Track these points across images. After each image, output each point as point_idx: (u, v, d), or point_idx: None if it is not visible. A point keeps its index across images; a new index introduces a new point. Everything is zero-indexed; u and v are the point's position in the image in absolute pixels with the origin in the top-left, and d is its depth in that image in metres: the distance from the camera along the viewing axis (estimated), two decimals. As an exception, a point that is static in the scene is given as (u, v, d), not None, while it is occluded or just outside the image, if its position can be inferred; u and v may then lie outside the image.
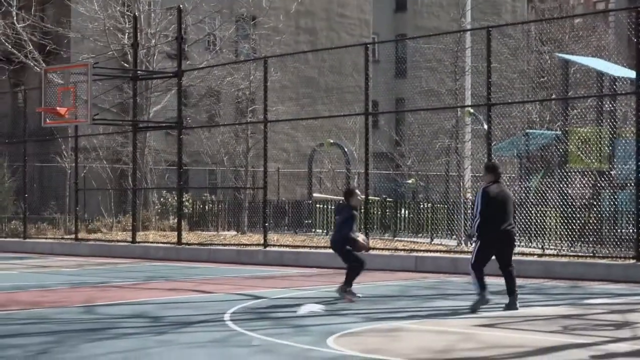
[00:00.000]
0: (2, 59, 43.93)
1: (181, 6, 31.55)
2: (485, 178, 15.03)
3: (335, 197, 36.61)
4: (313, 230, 34.10)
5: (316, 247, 26.88)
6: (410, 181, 35.16)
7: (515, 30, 40.91)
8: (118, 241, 32.01)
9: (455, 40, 30.85)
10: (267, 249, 27.23)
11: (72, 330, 13.39)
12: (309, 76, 49.02)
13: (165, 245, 30.08)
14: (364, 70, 26.55)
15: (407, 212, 31.87)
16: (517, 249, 23.51)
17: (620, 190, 22.75)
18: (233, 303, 16.18)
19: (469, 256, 23.00)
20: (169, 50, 40.68)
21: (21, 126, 36.72)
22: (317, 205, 35.54)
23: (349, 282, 16.59)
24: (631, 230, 20.99)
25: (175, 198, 32.76)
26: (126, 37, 37.46)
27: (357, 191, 17.11)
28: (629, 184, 22.06)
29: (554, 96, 30.86)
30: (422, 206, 31.71)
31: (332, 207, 35.00)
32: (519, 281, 19.75)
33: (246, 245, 28.64)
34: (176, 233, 30.20)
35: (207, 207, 38.64)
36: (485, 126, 23.89)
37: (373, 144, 29.70)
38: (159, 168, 40.83)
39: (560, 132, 27.51)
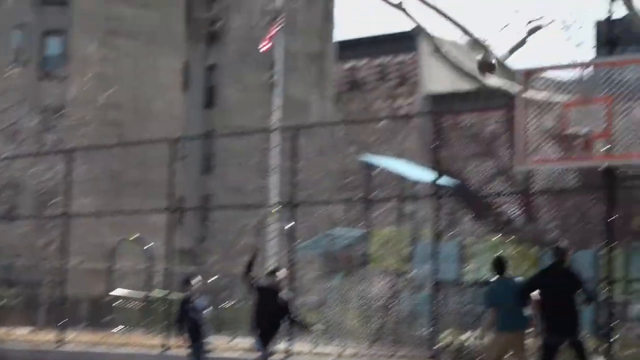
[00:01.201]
0: None
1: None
2: None
3: (136, 294, 35.97)
4: (112, 327, 33.29)
5: (115, 346, 26.20)
6: (214, 279, 34.87)
7: (322, 131, 41.64)
8: None
9: (263, 139, 31.12)
10: (63, 347, 26.38)
11: None
12: (115, 170, 48.40)
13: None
14: (170, 166, 26.36)
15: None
16: (316, 349, 23.65)
17: (418, 291, 23.11)
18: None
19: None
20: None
21: None
22: (119, 302, 34.82)
23: None
24: (428, 332, 21.28)
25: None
26: None
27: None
28: (427, 285, 22.43)
29: (357, 197, 31.40)
30: (225, 304, 31.45)
31: (133, 305, 34.40)
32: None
33: (42, 342, 27.66)
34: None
35: (2, 302, 37.25)
36: (290, 225, 23.98)
37: (178, 240, 29.36)
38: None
39: (362, 233, 27.89)
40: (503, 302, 14.55)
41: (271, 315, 17.47)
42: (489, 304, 14.87)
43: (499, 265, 15.07)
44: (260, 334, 17.76)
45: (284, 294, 17.63)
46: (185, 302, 16.00)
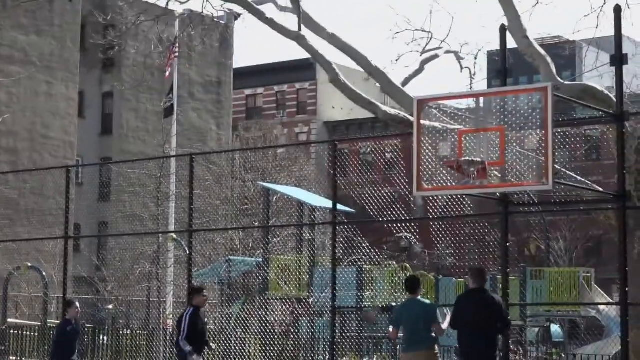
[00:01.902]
0: None
1: None
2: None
3: (31, 322, 35.38)
4: (6, 357, 32.67)
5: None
6: (110, 306, 34.50)
7: (220, 158, 41.64)
8: None
9: (159, 166, 30.99)
10: (-44, 377, 25.82)
11: None
12: (9, 197, 47.57)
13: None
14: (66, 193, 26.09)
15: (106, 338, 31.15)
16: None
17: (317, 317, 23.24)
18: None
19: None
20: None
21: None
22: (12, 331, 34.15)
23: None
24: (327, 358, 21.39)
25: None
26: None
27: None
28: (325, 311, 22.57)
29: (256, 224, 31.44)
30: (122, 332, 31.08)
31: (29, 333, 33.81)
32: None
33: None
34: None
35: None
36: (187, 252, 23.90)
37: (73, 268, 29.04)
38: None
39: (261, 260, 27.92)
40: (409, 322, 14.59)
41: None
42: (395, 322, 14.88)
43: (412, 284, 15.12)
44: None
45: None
46: (66, 325, 16.64)
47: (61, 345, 16.34)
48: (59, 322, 26.83)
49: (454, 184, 18.90)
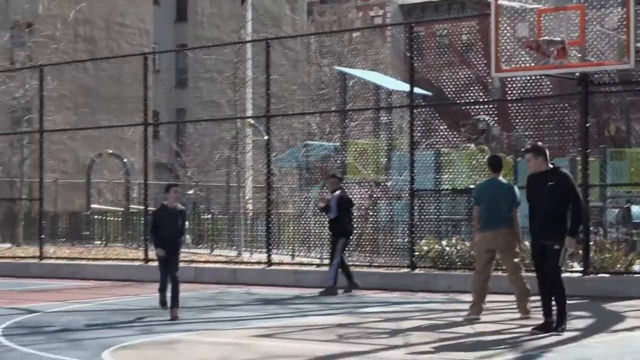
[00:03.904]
0: None
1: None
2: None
3: (114, 208, 36.08)
4: (91, 241, 33.47)
5: (94, 259, 26.37)
6: (190, 192, 35.00)
7: (296, 43, 41.48)
8: None
9: (235, 52, 30.99)
10: (43, 261, 26.51)
11: None
12: (88, 85, 48.07)
13: None
14: (143, 81, 26.27)
15: (187, 223, 31.69)
16: (295, 259, 23.91)
17: (395, 201, 23.33)
18: (5, 318, 15.65)
19: (249, 267, 23.20)
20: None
21: None
22: (96, 217, 34.92)
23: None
24: (405, 240, 21.53)
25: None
26: None
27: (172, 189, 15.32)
28: (403, 195, 22.64)
29: (333, 108, 31.42)
30: (202, 217, 31.58)
31: (112, 219, 34.53)
32: (297, 291, 20.02)
33: (21, 257, 27.80)
34: (-54, 246, 29.05)
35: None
36: (265, 137, 24.06)
37: (153, 155, 29.43)
38: None
39: (338, 144, 28.00)
40: (489, 201, 14.47)
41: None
42: (476, 201, 14.77)
43: (496, 163, 14.77)
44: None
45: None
46: (162, 212, 14.97)
47: (156, 232, 14.96)
48: (141, 207, 27.34)
49: (532, 64, 18.69)
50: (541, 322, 12.97)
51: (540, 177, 13.00)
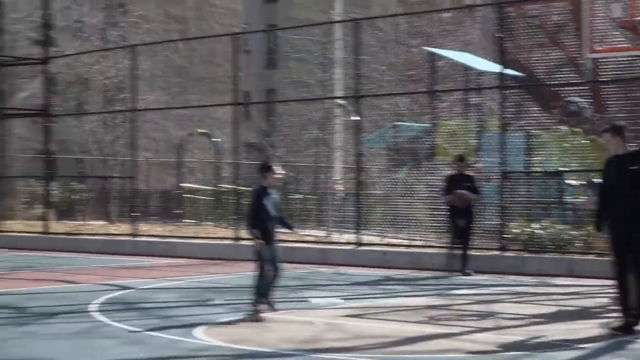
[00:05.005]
0: None
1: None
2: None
3: (204, 187, 36.46)
4: (182, 220, 33.89)
5: (185, 237, 26.73)
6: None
7: (385, 23, 41.34)
8: (-19, 231, 31.25)
9: (325, 32, 31.07)
10: (136, 239, 26.95)
11: None
12: (179, 65, 48.61)
13: (31, 234, 29.50)
14: (233, 61, 26.49)
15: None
16: (384, 240, 23.95)
17: (485, 183, 23.20)
18: (100, 294, 15.98)
19: (338, 247, 23.31)
20: (35, 36, 39.90)
21: None
22: (186, 195, 35.34)
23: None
24: (495, 222, 21.44)
25: (43, 187, 32.14)
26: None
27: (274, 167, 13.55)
28: (494, 176, 22.52)
29: (422, 89, 31.29)
30: (292, 197, 31.76)
31: (203, 198, 34.91)
32: (386, 272, 20.07)
33: (115, 235, 28.30)
34: (43, 222, 29.69)
35: (75, 197, 38.03)
36: (355, 117, 24.10)
37: (243, 134, 29.63)
38: (25, 156, 40.02)
39: (428, 125, 27.91)
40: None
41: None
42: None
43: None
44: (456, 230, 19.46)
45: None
46: (262, 193, 13.22)
47: (255, 215, 13.18)
48: (231, 186, 27.57)
49: (627, 45, 18.45)
50: (621, 321, 11.74)
51: (620, 160, 11.88)
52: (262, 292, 13.14)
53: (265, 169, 13.37)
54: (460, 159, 20.24)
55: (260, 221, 13.11)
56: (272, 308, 13.20)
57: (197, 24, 53.40)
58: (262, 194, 13.19)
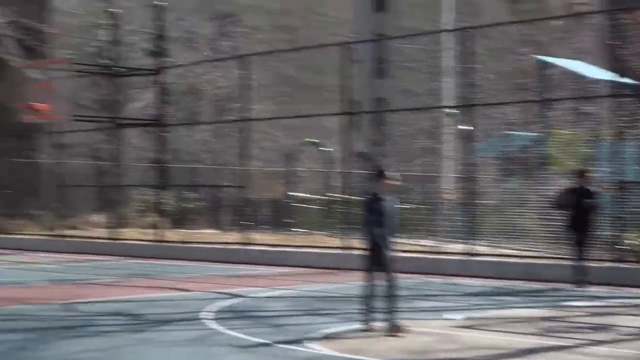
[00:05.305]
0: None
1: (161, 3, 31.48)
2: None
3: (314, 196, 36.57)
4: (292, 229, 34.04)
5: (297, 246, 26.86)
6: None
7: (495, 31, 41.03)
8: (98, 238, 31.89)
9: (434, 41, 30.95)
10: (247, 247, 27.18)
11: (50, 327, 13.34)
12: (288, 75, 48.94)
13: (145, 242, 30.00)
14: (343, 70, 26.57)
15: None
16: (497, 251, 23.72)
17: (601, 193, 22.83)
18: (212, 301, 16.16)
19: (449, 257, 23.16)
20: (149, 47, 40.59)
21: (1, 121, 36.57)
22: (296, 204, 35.49)
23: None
24: (610, 233, 21.06)
25: (156, 196, 32.65)
26: (105, 33, 37.35)
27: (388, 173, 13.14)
28: (605, 187, 22.14)
29: (532, 98, 30.97)
30: (402, 206, 31.60)
31: (312, 207, 35.03)
32: (498, 283, 19.88)
33: (227, 243, 28.57)
34: (156, 230, 30.15)
35: (188, 205, 38.50)
36: (466, 127, 23.94)
37: (353, 144, 29.63)
38: (140, 165, 40.71)
39: (539, 134, 27.59)
40: None
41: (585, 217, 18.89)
42: None
43: None
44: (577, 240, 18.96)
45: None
46: (374, 199, 12.90)
47: (369, 224, 12.86)
48: (341, 195, 27.62)
49: None
50: None
51: None
52: (376, 302, 12.96)
53: (380, 174, 13.08)
54: (581, 173, 19.72)
55: (374, 228, 12.86)
56: (387, 321, 12.84)
57: (305, 33, 53.70)
58: (375, 200, 12.92)
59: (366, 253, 13.04)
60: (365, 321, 12.88)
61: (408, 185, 35.41)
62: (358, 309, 13.33)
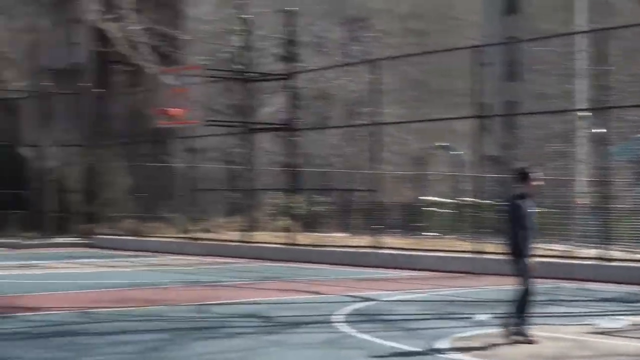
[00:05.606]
0: (118, 61, 44.75)
1: (292, 9, 31.79)
2: None
3: (445, 200, 36.41)
4: (423, 233, 33.94)
5: (427, 250, 26.77)
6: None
7: (630, 32, 40.23)
8: (231, 241, 32.33)
9: (566, 43, 30.50)
10: (379, 251, 27.22)
11: (184, 328, 13.60)
12: (419, 79, 48.79)
13: (277, 245, 30.30)
14: (473, 73, 26.40)
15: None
16: (631, 256, 23.23)
17: None
18: (344, 305, 16.25)
19: (583, 262, 22.79)
20: (280, 52, 41.01)
21: (137, 127, 37.41)
22: (428, 208, 35.37)
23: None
24: None
25: (288, 199, 32.95)
26: (237, 39, 37.86)
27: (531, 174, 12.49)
28: None
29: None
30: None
31: (442, 210, 34.89)
32: (634, 288, 19.47)
33: (358, 246, 28.66)
34: (287, 234, 30.43)
35: (318, 209, 38.74)
36: (599, 130, 23.55)
37: (483, 147, 29.43)
38: (272, 169, 41.15)
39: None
40: None
41: None
42: None
43: None
44: None
45: None
46: (522, 202, 12.30)
47: (516, 227, 12.26)
48: (472, 199, 27.45)
49: None
50: None
51: None
52: (519, 309, 12.48)
53: (524, 175, 12.43)
54: None
55: (522, 233, 12.30)
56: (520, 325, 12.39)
57: (435, 37, 53.49)
58: (522, 203, 12.31)
59: (510, 257, 12.53)
60: (507, 325, 12.39)
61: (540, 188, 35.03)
62: (492, 313, 13.22)
